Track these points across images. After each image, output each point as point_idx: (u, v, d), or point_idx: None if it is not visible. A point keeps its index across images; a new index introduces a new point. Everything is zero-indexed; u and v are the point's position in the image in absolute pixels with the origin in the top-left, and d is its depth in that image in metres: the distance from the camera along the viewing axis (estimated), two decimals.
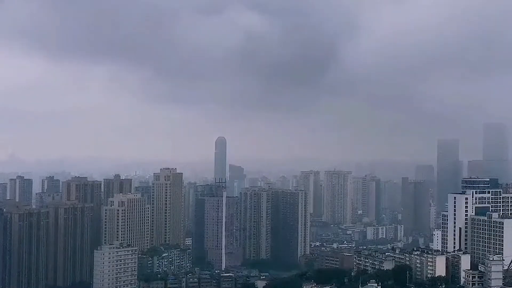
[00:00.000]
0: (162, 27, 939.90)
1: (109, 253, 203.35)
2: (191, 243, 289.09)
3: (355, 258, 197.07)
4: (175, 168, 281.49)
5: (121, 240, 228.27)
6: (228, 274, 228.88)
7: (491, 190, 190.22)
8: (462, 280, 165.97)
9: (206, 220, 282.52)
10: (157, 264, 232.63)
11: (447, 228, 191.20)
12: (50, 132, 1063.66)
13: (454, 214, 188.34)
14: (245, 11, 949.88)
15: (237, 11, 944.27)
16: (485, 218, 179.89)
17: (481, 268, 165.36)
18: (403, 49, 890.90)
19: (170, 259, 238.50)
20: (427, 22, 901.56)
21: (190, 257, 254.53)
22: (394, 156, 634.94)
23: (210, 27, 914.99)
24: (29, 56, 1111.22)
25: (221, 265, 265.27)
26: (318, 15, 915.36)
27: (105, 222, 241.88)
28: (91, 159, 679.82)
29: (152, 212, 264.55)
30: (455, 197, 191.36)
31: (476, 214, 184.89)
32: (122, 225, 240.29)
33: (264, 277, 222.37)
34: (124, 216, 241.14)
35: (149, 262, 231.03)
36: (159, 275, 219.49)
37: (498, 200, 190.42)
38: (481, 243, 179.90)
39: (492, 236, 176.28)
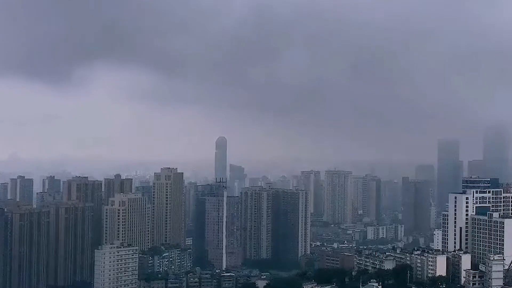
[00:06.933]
0: (161, 27, 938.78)
1: (110, 253, 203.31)
2: (191, 242, 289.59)
3: (356, 258, 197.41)
4: (176, 168, 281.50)
5: (122, 240, 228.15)
6: (228, 274, 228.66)
7: (491, 190, 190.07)
8: (463, 279, 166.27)
9: (207, 220, 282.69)
10: (158, 264, 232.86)
11: (447, 228, 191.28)
12: (51, 132, 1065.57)
13: (455, 214, 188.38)
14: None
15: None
16: (486, 217, 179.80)
17: (481, 267, 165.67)
18: None
19: (170, 259, 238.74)
20: None
21: (190, 257, 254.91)
22: (394, 156, 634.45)
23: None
24: None
25: (221, 265, 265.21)
26: None
27: (106, 221, 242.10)
28: (92, 159, 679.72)
29: (153, 212, 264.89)
30: (455, 197, 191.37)
31: (477, 213, 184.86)
32: (122, 225, 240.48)
33: (264, 276, 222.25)
34: (124, 215, 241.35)
35: (149, 262, 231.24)
36: (159, 275, 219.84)
37: (499, 200, 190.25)
38: (481, 243, 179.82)
39: (492, 236, 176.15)
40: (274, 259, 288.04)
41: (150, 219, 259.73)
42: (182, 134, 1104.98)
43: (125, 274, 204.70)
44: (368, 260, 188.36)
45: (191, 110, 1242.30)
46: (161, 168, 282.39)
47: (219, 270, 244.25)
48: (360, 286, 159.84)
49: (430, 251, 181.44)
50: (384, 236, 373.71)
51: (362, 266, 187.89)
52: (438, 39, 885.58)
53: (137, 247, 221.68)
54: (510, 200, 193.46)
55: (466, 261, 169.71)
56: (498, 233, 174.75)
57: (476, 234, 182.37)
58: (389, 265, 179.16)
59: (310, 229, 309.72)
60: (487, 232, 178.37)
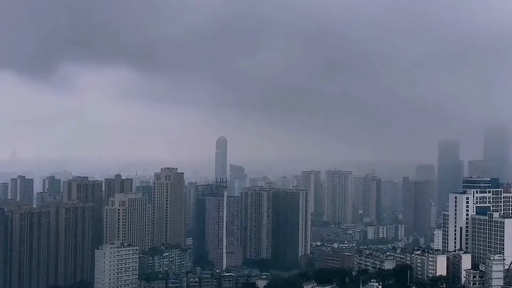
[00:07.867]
0: (159, 27, 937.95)
1: (110, 253, 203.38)
2: (192, 242, 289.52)
3: (356, 258, 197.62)
4: (176, 168, 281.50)
5: (122, 240, 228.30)
6: (229, 274, 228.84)
7: (491, 190, 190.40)
8: (463, 279, 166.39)
9: (207, 220, 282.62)
10: (158, 264, 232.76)
11: (447, 228, 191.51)
12: (51, 132, 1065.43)
13: (455, 214, 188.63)
14: None
15: None
16: (486, 217, 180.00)
17: (482, 267, 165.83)
18: None
19: (171, 259, 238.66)
20: None
21: (191, 257, 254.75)
22: (394, 156, 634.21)
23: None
24: None
25: (222, 265, 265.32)
26: None
27: (106, 221, 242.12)
28: (92, 159, 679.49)
29: (153, 212, 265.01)
30: (456, 197, 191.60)
31: (477, 213, 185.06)
32: (123, 225, 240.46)
33: (265, 276, 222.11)
34: (125, 215, 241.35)
35: (150, 262, 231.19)
36: (160, 275, 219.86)
37: (499, 200, 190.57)
38: (482, 243, 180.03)
39: (493, 236, 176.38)
40: (274, 259, 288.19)
41: (150, 219, 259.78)
42: (183, 134, 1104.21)
43: (126, 274, 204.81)
44: (368, 260, 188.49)
45: (191, 110, 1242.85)
46: (161, 168, 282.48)
47: (219, 270, 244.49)
48: (360, 286, 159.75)
49: (430, 251, 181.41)
50: (385, 236, 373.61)
51: (362, 266, 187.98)
52: (438, 38, 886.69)
53: (137, 247, 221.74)
54: (510, 200, 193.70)
55: (466, 261, 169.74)
56: (498, 233, 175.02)
57: (476, 234, 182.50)
58: (389, 265, 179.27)
59: (310, 229, 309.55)
60: (487, 232, 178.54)
